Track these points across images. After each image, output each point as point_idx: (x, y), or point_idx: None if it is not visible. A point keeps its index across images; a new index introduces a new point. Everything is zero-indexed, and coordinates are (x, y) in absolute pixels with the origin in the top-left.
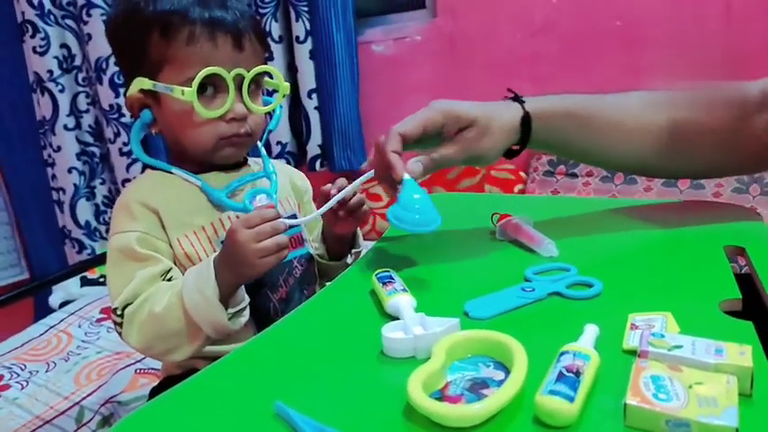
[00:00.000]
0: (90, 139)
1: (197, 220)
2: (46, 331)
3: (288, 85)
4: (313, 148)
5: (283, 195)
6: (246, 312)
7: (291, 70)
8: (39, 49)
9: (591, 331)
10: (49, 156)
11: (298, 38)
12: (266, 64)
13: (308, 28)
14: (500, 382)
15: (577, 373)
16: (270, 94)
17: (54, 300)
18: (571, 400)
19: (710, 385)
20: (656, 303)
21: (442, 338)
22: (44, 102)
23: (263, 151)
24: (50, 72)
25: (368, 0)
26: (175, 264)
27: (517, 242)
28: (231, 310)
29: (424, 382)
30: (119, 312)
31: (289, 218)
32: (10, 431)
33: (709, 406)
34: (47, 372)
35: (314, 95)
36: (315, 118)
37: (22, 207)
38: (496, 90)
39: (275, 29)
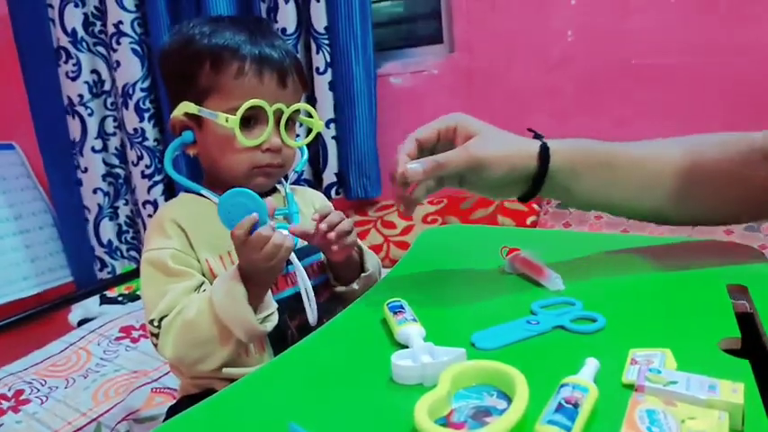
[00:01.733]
0: (116, 161)
1: (227, 243)
2: (66, 348)
3: (322, 123)
4: (329, 176)
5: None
6: (275, 317)
7: (311, 101)
8: (71, 74)
9: (591, 365)
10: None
11: (318, 69)
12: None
13: (329, 60)
14: (502, 411)
15: (576, 405)
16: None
17: (73, 317)
18: (568, 429)
19: (702, 420)
20: (657, 339)
21: (448, 367)
22: (75, 124)
23: (288, 188)
24: (81, 96)
25: (387, 34)
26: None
27: (525, 276)
28: (260, 315)
29: (430, 408)
30: (156, 324)
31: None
32: None
33: None
34: (66, 388)
35: (332, 125)
36: (332, 147)
37: (64, 226)
38: (514, 123)
39: None
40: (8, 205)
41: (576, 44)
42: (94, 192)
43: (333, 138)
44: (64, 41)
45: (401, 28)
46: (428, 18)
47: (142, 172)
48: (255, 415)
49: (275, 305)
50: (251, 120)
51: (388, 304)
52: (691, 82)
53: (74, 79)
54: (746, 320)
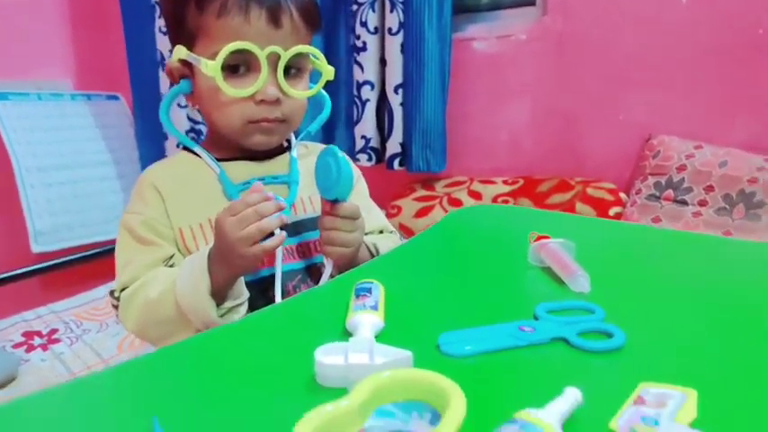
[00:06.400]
0: (199, 118)
1: (205, 212)
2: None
3: (332, 69)
4: (393, 145)
5: (306, 196)
6: (243, 309)
7: (382, 63)
8: (163, 29)
9: (569, 397)
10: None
11: (390, 30)
12: (311, 44)
13: (402, 20)
14: None
15: None
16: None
17: None
18: None
19: None
20: (688, 375)
21: (374, 373)
22: (164, 78)
23: (295, 152)
24: (171, 51)
25: None
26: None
27: (550, 270)
28: (228, 305)
29: (327, 423)
30: (116, 295)
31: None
32: (44, 384)
33: None
34: (98, 332)
35: (400, 91)
36: (399, 114)
37: None
38: (608, 102)
39: (372, 19)
40: (109, 150)
41: (693, 8)
42: (177, 146)
43: (400, 104)
44: None
45: None
46: None
47: None
48: (142, 398)
49: (246, 294)
50: (241, 66)
51: (357, 285)
52: None
53: (165, 33)
54: None
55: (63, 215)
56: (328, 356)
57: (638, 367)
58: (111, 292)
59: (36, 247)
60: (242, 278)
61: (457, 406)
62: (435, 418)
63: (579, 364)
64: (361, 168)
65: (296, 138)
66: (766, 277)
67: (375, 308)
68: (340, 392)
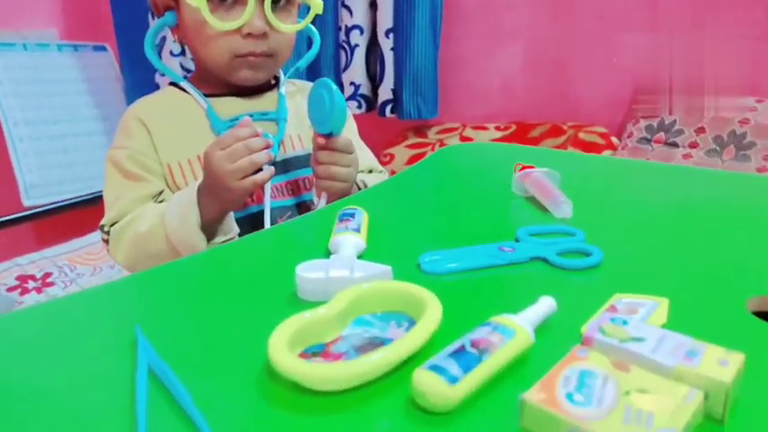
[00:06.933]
0: (192, 66)
1: (194, 148)
2: None
3: (320, 2)
4: (385, 91)
5: (295, 133)
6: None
7: (372, 7)
8: None
9: (543, 305)
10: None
11: None
12: None
13: None
14: None
15: (482, 351)
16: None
17: None
18: (453, 381)
19: (656, 397)
20: (660, 287)
21: (353, 285)
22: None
23: (284, 89)
24: None
25: None
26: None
27: (534, 200)
28: (219, 239)
29: (303, 330)
30: (105, 229)
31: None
32: None
33: (638, 423)
34: (91, 275)
35: (391, 35)
36: (390, 60)
37: None
38: (602, 42)
39: None
40: (97, 105)
41: None
42: None
43: (391, 49)
44: None
45: None
46: None
47: None
48: (129, 310)
49: (236, 230)
50: None
51: (340, 211)
52: None
53: None
54: None
55: (53, 169)
56: (309, 272)
57: (614, 282)
58: (102, 227)
59: (27, 201)
60: (232, 214)
61: (433, 312)
62: (413, 326)
63: (557, 280)
64: (353, 116)
65: (284, 75)
66: (740, 202)
67: (357, 230)
68: (320, 306)
